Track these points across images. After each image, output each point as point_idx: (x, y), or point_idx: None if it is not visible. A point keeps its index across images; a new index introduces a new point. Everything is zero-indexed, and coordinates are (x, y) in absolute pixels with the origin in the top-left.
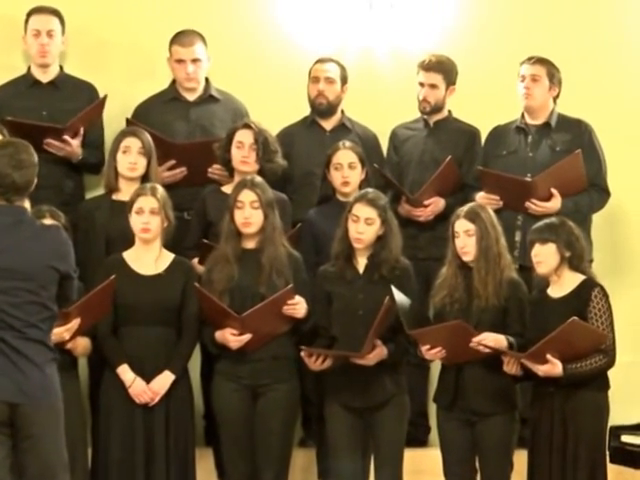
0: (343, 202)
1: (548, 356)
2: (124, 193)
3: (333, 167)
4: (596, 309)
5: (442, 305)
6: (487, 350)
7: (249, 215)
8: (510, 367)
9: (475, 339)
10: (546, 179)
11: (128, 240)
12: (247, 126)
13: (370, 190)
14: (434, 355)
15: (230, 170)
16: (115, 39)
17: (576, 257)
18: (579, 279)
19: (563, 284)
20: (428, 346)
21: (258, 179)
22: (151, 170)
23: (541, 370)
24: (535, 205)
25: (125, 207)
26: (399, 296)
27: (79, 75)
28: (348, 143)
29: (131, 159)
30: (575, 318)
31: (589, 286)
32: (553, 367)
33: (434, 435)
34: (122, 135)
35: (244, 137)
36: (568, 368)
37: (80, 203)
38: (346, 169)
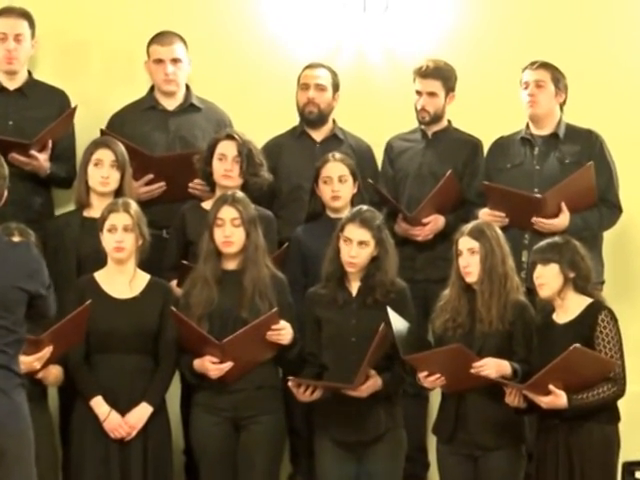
0: (333, 219)
1: (551, 387)
2: (96, 209)
3: (322, 181)
4: (603, 334)
5: (444, 330)
6: (489, 377)
7: (230, 233)
8: (512, 398)
9: (476, 365)
10: (557, 195)
11: (101, 260)
12: (230, 137)
13: (364, 208)
14: (433, 383)
15: (211, 185)
16: (89, 43)
17: (581, 278)
18: (585, 302)
19: (568, 308)
20: (426, 373)
21: (239, 194)
22: (125, 184)
23: (543, 402)
24: (542, 222)
25: (96, 224)
26: (395, 319)
27: (50, 81)
28: (338, 155)
29: (103, 173)
30: (577, 345)
31: (596, 309)
32: (556, 398)
33: (433, 471)
34: (93, 146)
35: (227, 149)
36: (573, 399)
37: (49, 220)
38: (336, 183)
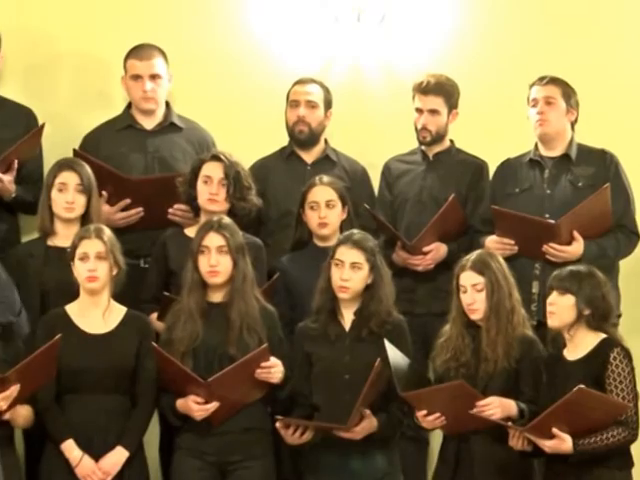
0: (321, 248)
1: (554, 430)
2: (61, 237)
3: (308, 206)
4: (615, 373)
5: (445, 370)
6: (492, 418)
7: (215, 263)
8: (515, 441)
9: (479, 404)
10: (572, 220)
11: (66, 293)
12: (216, 158)
13: (355, 231)
14: (432, 423)
15: (195, 209)
16: (59, 56)
17: (597, 317)
18: (598, 338)
19: (579, 344)
20: (425, 411)
21: (226, 220)
22: (92, 209)
23: (547, 446)
24: (554, 249)
25: (62, 254)
26: (393, 352)
27: (16, 98)
28: (326, 178)
29: (68, 197)
30: (581, 387)
31: (608, 346)
32: (560, 442)
33: None
34: (56, 169)
35: (213, 171)
36: (579, 444)
37: (10, 250)
38: (323, 208)
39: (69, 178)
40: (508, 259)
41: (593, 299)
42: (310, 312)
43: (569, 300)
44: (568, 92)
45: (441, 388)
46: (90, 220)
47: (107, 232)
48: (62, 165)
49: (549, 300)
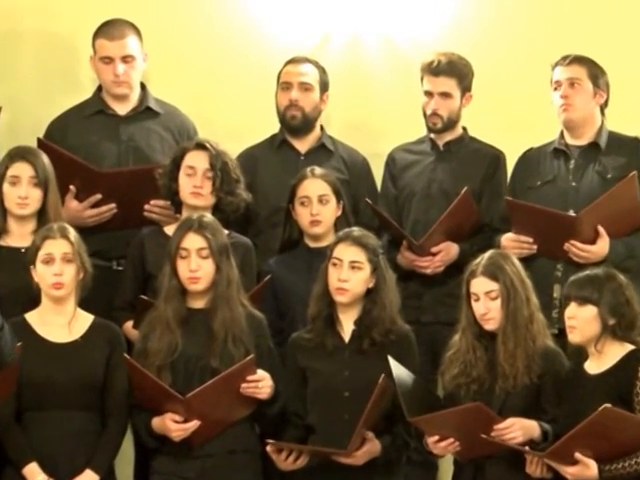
0: (313, 249)
1: (577, 455)
2: (14, 236)
3: (299, 202)
4: None
5: (455, 386)
6: (513, 443)
7: (196, 267)
8: (534, 468)
9: (498, 427)
10: (595, 214)
11: (21, 299)
12: (201, 146)
13: (356, 228)
14: (444, 449)
15: (177, 205)
16: (22, 34)
17: (624, 326)
18: (624, 349)
19: (603, 356)
20: (437, 437)
21: (207, 218)
22: (49, 205)
23: (569, 472)
24: (576, 248)
25: (16, 255)
26: (399, 370)
27: None
28: (318, 170)
29: (20, 192)
30: (607, 406)
31: (636, 359)
32: (584, 469)
33: None
34: (8, 160)
35: (197, 161)
36: (605, 470)
37: None
38: (315, 204)
39: (22, 170)
40: (526, 259)
41: (617, 306)
42: (300, 321)
43: (590, 311)
44: (595, 72)
45: (455, 411)
46: (47, 217)
47: (72, 231)
48: (14, 156)
49: (568, 313)
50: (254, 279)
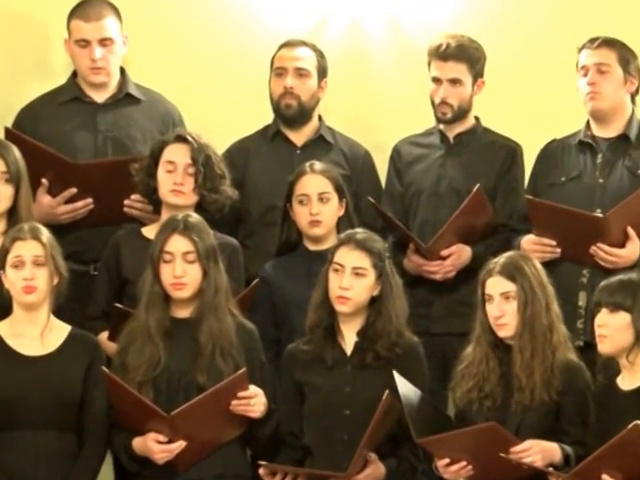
0: (312, 252)
1: (604, 477)
2: None
3: (297, 200)
4: None
5: (467, 402)
6: (533, 466)
7: (181, 273)
8: None
9: (516, 449)
10: (624, 214)
11: None
12: (182, 139)
13: (360, 230)
14: (456, 473)
15: (155, 203)
16: None
17: None
18: None
19: (637, 370)
20: (447, 460)
21: (194, 218)
22: (20, 202)
23: None
24: (603, 252)
25: None
26: (405, 387)
27: None
28: (319, 165)
29: None
30: (638, 422)
31: None
32: None
33: None
34: None
35: (177, 155)
36: None
37: None
38: (315, 203)
39: None
40: (549, 264)
41: None
42: (299, 332)
43: (623, 319)
44: (627, 56)
45: (467, 432)
46: (19, 216)
47: (45, 232)
48: None
49: (598, 321)
50: (242, 283)
